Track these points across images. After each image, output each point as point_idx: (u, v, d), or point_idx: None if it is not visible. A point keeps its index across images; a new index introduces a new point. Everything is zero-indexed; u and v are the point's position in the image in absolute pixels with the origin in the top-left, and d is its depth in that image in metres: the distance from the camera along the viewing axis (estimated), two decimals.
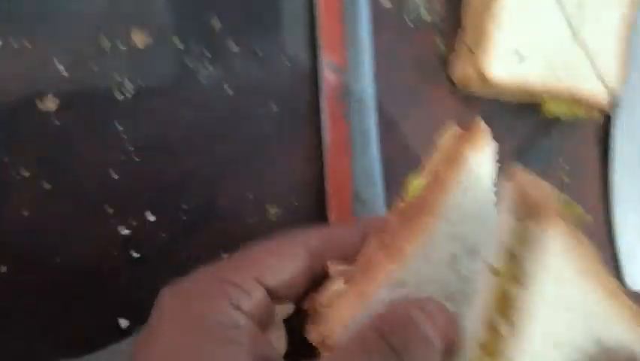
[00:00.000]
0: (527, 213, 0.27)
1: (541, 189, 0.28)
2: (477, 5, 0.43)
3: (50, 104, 0.38)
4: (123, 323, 0.38)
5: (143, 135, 0.39)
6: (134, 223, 0.39)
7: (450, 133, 0.29)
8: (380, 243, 0.27)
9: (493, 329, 0.26)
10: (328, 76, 0.41)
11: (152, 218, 0.39)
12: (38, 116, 0.37)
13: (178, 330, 0.25)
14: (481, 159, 0.27)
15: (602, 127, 0.49)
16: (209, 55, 0.40)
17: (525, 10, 0.42)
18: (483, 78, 0.41)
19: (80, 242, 0.38)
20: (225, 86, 0.40)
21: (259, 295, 0.26)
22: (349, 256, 0.28)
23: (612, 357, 0.27)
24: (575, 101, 0.44)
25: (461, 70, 0.43)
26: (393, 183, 0.44)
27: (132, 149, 0.39)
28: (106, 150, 0.38)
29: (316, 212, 0.42)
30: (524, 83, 0.42)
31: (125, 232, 0.38)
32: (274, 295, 0.27)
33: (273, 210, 0.41)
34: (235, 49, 0.41)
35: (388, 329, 0.24)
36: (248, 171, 0.41)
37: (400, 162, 0.43)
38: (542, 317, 0.26)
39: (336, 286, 0.27)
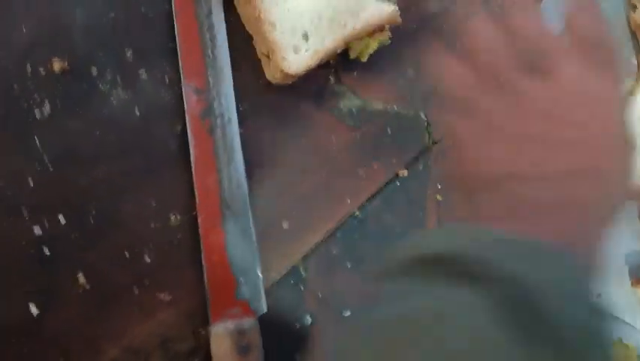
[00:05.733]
0: None
1: None
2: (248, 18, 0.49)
3: None
4: (33, 309, 0.44)
5: (58, 149, 0.45)
6: (47, 225, 0.44)
7: None
8: None
9: None
10: (190, 97, 0.47)
11: (63, 221, 0.45)
12: None
13: None
14: None
15: None
16: (120, 81, 0.46)
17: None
18: (286, 75, 0.47)
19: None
20: (134, 108, 0.47)
21: None
22: None
23: None
24: (371, 32, 0.50)
25: (270, 74, 0.49)
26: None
27: (48, 160, 0.45)
28: (25, 160, 0.44)
29: None
30: (323, 51, 0.48)
31: (39, 231, 0.44)
32: None
33: (174, 217, 0.48)
34: (144, 76, 0.47)
35: None
36: (152, 182, 0.47)
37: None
38: None
39: None
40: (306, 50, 0.47)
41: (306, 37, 0.47)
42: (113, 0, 0.47)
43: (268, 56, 0.48)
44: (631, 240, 0.65)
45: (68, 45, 0.45)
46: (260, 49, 0.49)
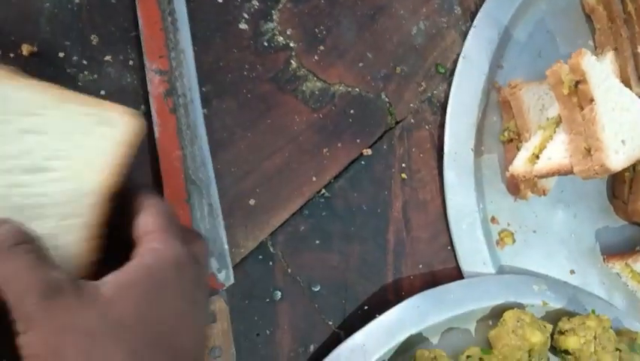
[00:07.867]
0: None
1: None
2: None
3: None
4: None
5: None
6: None
7: None
8: None
9: None
10: (153, 78, 0.50)
11: None
12: None
13: None
14: None
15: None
16: (86, 64, 0.49)
17: None
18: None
19: None
20: (99, 90, 0.49)
21: None
22: None
23: None
24: None
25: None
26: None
27: None
28: None
29: None
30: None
31: None
32: None
33: None
34: (109, 59, 0.50)
35: None
36: None
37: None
38: None
39: None
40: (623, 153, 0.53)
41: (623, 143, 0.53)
42: None
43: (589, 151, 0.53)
44: (600, 217, 0.66)
45: (35, 30, 0.48)
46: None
